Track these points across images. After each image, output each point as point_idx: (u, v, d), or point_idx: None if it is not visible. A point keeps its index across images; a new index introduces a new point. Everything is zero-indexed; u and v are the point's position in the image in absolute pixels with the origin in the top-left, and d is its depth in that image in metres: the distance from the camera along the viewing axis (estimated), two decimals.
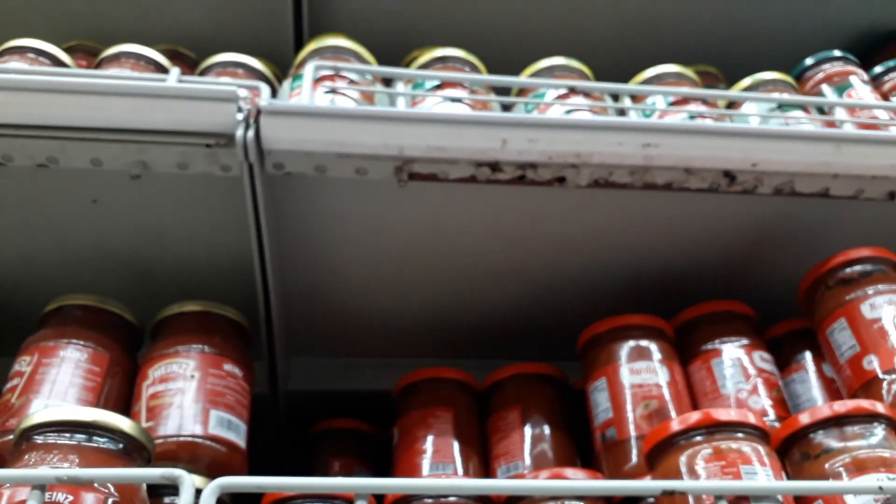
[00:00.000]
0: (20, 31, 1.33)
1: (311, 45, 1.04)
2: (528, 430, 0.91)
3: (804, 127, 0.93)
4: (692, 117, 0.98)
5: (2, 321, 1.00)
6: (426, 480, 0.73)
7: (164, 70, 1.05)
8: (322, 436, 1.05)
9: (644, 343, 0.89)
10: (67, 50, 1.24)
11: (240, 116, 0.79)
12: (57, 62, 1.02)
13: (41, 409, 0.66)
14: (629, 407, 0.84)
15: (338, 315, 1.05)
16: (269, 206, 0.87)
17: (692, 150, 0.84)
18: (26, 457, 0.62)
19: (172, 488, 0.57)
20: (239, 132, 0.78)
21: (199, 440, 0.77)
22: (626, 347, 0.89)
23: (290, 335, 1.07)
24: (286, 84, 0.99)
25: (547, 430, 0.91)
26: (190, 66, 1.25)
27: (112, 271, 0.97)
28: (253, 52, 1.34)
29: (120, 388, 0.83)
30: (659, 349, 0.89)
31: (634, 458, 0.81)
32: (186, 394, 0.80)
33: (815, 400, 0.88)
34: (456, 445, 0.91)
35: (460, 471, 0.88)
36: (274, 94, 1.04)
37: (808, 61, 1.18)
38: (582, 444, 0.93)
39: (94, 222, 0.93)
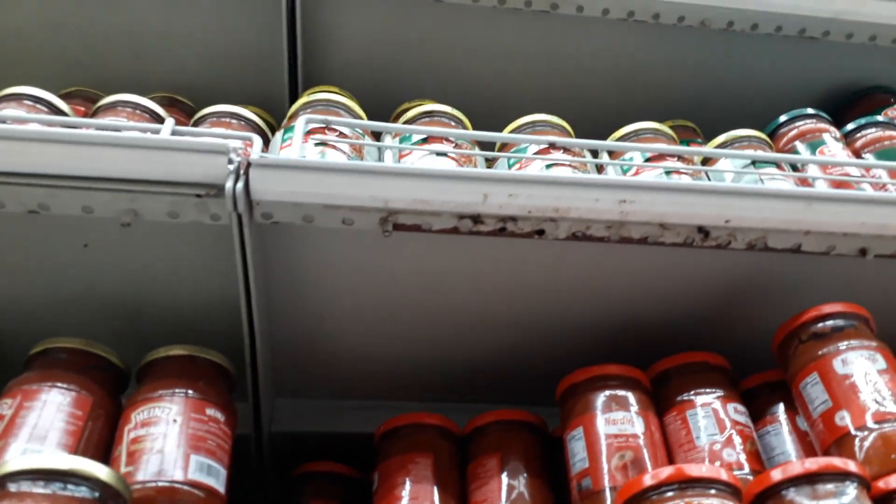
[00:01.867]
0: (20, 77, 1.34)
1: (304, 98, 1.05)
2: (505, 478, 0.89)
3: (776, 184, 0.94)
4: (668, 173, 0.98)
5: None
6: None
7: (159, 118, 1.05)
8: (304, 478, 1.03)
9: (621, 393, 0.88)
10: (66, 96, 1.25)
11: (230, 168, 0.79)
12: (55, 110, 1.02)
13: (17, 456, 0.64)
14: (605, 457, 0.83)
15: (323, 358, 1.04)
16: (257, 254, 0.86)
17: (666, 206, 0.84)
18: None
19: None
20: (228, 184, 0.78)
21: (179, 485, 0.75)
22: (602, 397, 0.88)
23: (276, 377, 1.06)
24: (278, 135, 0.99)
25: (525, 478, 0.90)
26: (187, 113, 1.26)
27: (101, 314, 0.96)
28: (249, 101, 1.36)
29: (102, 432, 0.81)
30: (635, 399, 0.88)
31: None
32: (168, 438, 0.78)
33: (788, 454, 0.87)
34: (434, 492, 0.89)
35: None
36: (267, 144, 1.04)
37: (782, 118, 1.19)
38: (559, 491, 0.91)
39: (84, 266, 0.93)
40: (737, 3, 1.26)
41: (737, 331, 1.00)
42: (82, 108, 1.19)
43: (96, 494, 0.64)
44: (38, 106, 1.01)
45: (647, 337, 0.99)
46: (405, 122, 1.06)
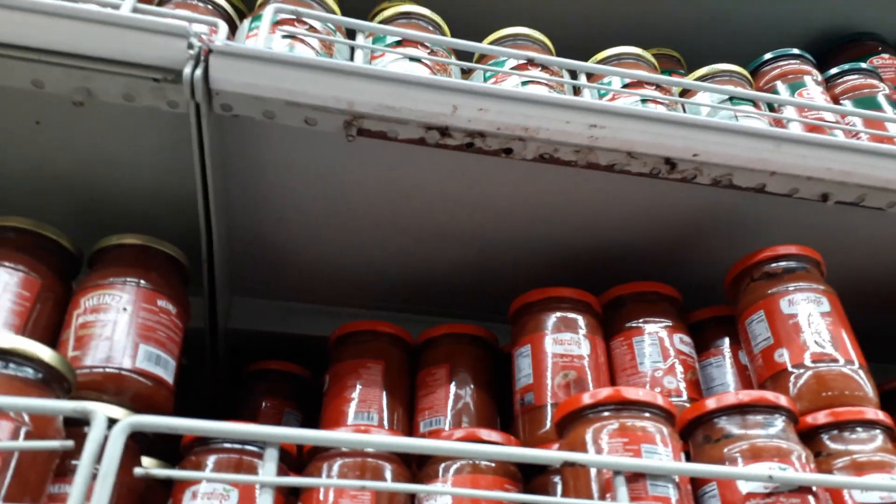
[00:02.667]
0: None
1: None
2: (453, 388, 0.92)
3: (746, 122, 0.93)
4: (644, 101, 0.97)
5: None
6: (336, 434, 0.73)
7: None
8: (256, 375, 1.05)
9: (570, 315, 0.89)
10: None
11: (190, 52, 0.76)
12: None
13: None
14: (549, 375, 0.85)
15: (280, 259, 1.04)
16: (216, 146, 0.84)
17: (636, 134, 0.83)
18: None
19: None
20: (187, 70, 0.75)
21: (126, 373, 0.76)
22: (552, 318, 0.89)
23: (233, 275, 1.05)
24: (245, 23, 0.95)
25: (471, 389, 0.92)
26: None
27: (53, 196, 0.94)
28: None
29: (50, 315, 0.81)
30: (584, 322, 0.89)
31: (549, 424, 0.82)
32: (117, 326, 0.78)
33: (727, 385, 0.90)
34: (382, 397, 0.91)
35: (385, 421, 0.89)
36: (234, 32, 1.00)
37: (766, 56, 1.17)
38: (505, 404, 0.94)
39: (36, 145, 0.90)
40: None
41: (692, 264, 1.02)
42: None
43: (40, 375, 0.64)
44: None
45: (605, 263, 1.01)
46: (381, 22, 1.02)
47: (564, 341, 0.87)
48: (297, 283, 1.08)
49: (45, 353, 0.64)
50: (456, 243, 1.01)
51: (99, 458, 0.51)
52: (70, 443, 0.56)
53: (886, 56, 1.34)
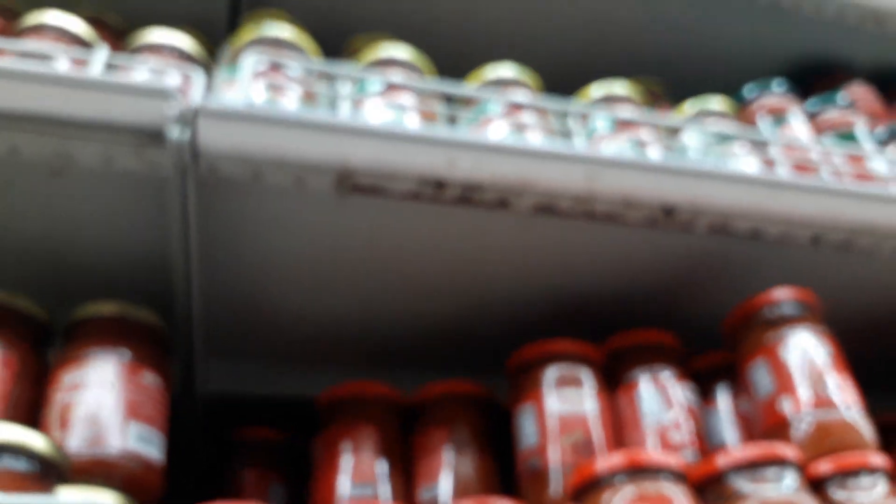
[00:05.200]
0: None
1: (249, 31, 1.00)
2: (452, 453, 0.92)
3: (743, 169, 0.96)
4: (635, 144, 1.00)
5: None
6: None
7: (87, 45, 0.98)
8: (238, 444, 1.03)
9: (572, 371, 0.91)
10: None
11: (173, 112, 0.75)
12: None
13: None
14: (554, 437, 0.86)
15: (261, 318, 1.03)
16: (199, 208, 0.84)
17: (634, 183, 0.85)
18: None
19: None
20: (174, 133, 0.75)
21: (115, 458, 0.74)
22: (554, 374, 0.90)
23: (209, 336, 1.04)
24: (221, 72, 0.95)
25: (472, 453, 0.93)
26: (115, 35, 1.18)
27: (20, 262, 0.91)
28: (184, 21, 1.29)
29: (30, 392, 0.80)
30: (587, 377, 0.91)
31: (556, 489, 0.83)
32: (103, 404, 0.77)
33: (731, 434, 0.92)
34: (378, 466, 0.91)
35: (383, 492, 0.89)
36: (208, 73, 0.99)
37: (749, 90, 1.22)
38: (506, 463, 0.94)
39: (5, 208, 0.87)
40: None
41: (690, 310, 1.05)
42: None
43: (35, 467, 0.62)
44: None
45: (603, 312, 1.03)
46: (363, 67, 1.03)
47: (568, 399, 0.88)
48: (279, 342, 1.08)
49: (39, 443, 0.63)
50: (448, 296, 1.02)
51: None
52: None
53: (860, 87, 1.40)
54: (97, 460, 0.74)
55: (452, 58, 1.19)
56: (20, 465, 0.62)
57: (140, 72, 0.92)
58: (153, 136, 0.76)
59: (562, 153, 0.84)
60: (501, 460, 0.95)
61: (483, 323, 1.05)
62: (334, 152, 0.79)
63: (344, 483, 0.89)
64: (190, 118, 0.76)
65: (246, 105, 0.78)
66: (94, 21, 1.22)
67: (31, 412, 0.79)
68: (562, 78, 1.20)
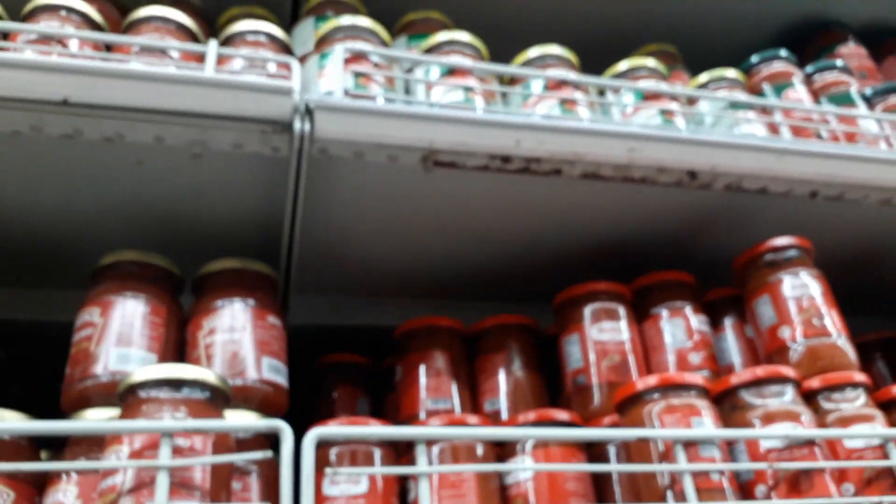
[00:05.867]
0: None
1: (335, 22, 1.12)
2: (509, 373, 1.10)
3: (750, 128, 1.10)
4: (662, 112, 1.14)
5: (45, 262, 1.10)
6: (452, 430, 0.88)
7: (191, 33, 1.10)
8: (328, 368, 1.21)
9: (610, 306, 1.08)
10: None
11: (294, 107, 0.89)
12: (88, 20, 1.06)
13: (141, 368, 0.78)
14: (596, 359, 1.04)
15: (351, 265, 1.19)
16: (308, 180, 0.98)
17: (666, 154, 1.00)
18: (143, 408, 0.75)
19: None
20: (297, 125, 0.89)
21: (257, 384, 0.91)
22: (595, 309, 1.07)
23: (304, 280, 1.20)
24: (312, 61, 1.08)
25: (524, 372, 1.10)
26: (194, 12, 1.29)
27: (160, 228, 1.06)
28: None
29: (176, 336, 0.96)
30: (621, 311, 1.08)
31: (599, 401, 1.01)
32: (241, 343, 0.93)
33: (739, 357, 1.10)
34: (451, 384, 1.09)
35: (456, 405, 1.07)
36: (288, 52, 1.12)
37: (754, 59, 1.35)
38: (551, 380, 1.13)
39: (136, 182, 1.02)
40: None
41: (706, 254, 1.21)
42: (95, 4, 1.20)
43: (208, 395, 0.79)
44: (72, 17, 1.05)
45: (634, 257, 1.19)
46: (427, 50, 1.15)
47: (606, 329, 1.05)
48: (364, 282, 1.24)
49: (212, 377, 0.80)
50: (505, 244, 1.17)
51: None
52: (270, 453, 0.72)
53: (853, 45, 1.52)
54: (241, 388, 0.91)
55: (487, 31, 1.31)
56: (198, 394, 0.79)
57: (238, 60, 1.04)
58: (280, 126, 0.90)
59: (606, 130, 0.98)
60: (546, 377, 1.14)
61: (533, 266, 1.21)
62: (421, 136, 0.93)
63: (424, 398, 1.07)
64: (308, 111, 0.90)
65: (353, 101, 0.92)
66: (175, 1, 1.34)
67: (179, 352, 0.96)
68: (587, 50, 1.33)
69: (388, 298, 1.29)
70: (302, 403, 1.20)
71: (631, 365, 1.04)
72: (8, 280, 1.15)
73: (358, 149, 0.94)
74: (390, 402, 1.18)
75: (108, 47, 1.04)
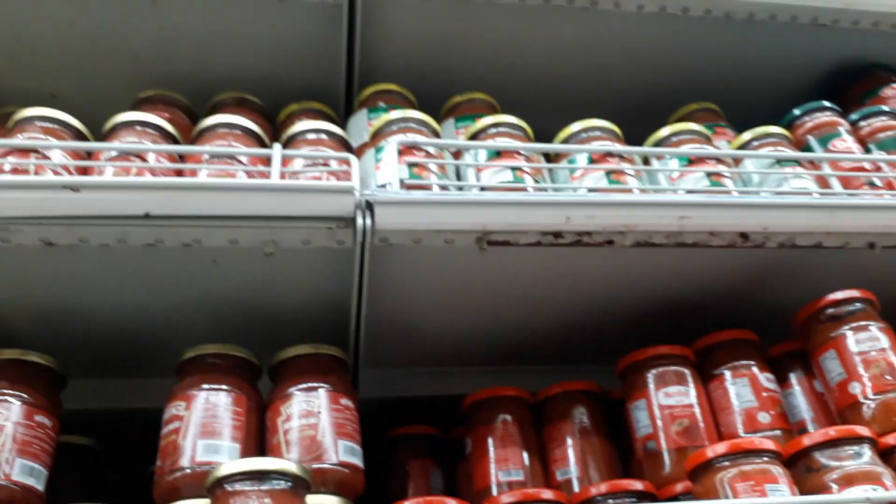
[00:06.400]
0: (91, 75, 1.44)
1: (388, 116, 1.17)
2: (578, 438, 1.10)
3: (804, 199, 1.09)
4: (708, 175, 1.14)
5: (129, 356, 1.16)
6: None
7: (256, 135, 1.17)
8: (399, 440, 1.23)
9: (674, 369, 1.07)
10: (145, 101, 1.36)
11: (354, 203, 0.94)
12: (162, 132, 1.13)
13: (227, 462, 0.81)
14: (664, 424, 1.02)
15: (414, 340, 1.21)
16: (370, 267, 1.02)
17: (717, 219, 1.01)
18: (231, 501, 0.78)
19: None
20: (359, 220, 0.93)
21: (335, 467, 0.93)
22: (660, 373, 1.07)
23: (371, 353, 1.22)
24: (369, 154, 1.12)
25: (593, 437, 1.10)
26: (256, 111, 1.37)
27: (236, 320, 1.11)
28: (307, 92, 1.48)
29: (257, 424, 0.99)
30: (686, 374, 1.07)
31: (670, 467, 1.00)
32: (318, 428, 0.96)
33: (810, 413, 1.07)
34: (522, 453, 1.09)
35: (527, 475, 1.07)
36: (345, 145, 1.17)
37: (797, 112, 1.34)
38: (618, 443, 1.12)
39: (213, 279, 1.07)
40: None
41: (764, 309, 1.19)
42: (166, 114, 1.29)
43: (290, 484, 0.81)
44: (147, 130, 1.12)
45: (691, 317, 1.18)
46: (474, 134, 1.19)
47: (673, 393, 1.04)
48: (423, 352, 1.26)
49: (294, 467, 0.82)
50: (561, 313, 1.18)
51: None
52: None
53: None
54: (319, 471, 0.92)
55: (528, 107, 1.34)
56: (282, 484, 0.81)
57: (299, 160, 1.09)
58: (343, 222, 0.95)
59: (655, 201, 0.99)
60: (615, 441, 1.13)
61: (593, 330, 1.21)
62: (474, 220, 0.96)
63: (495, 470, 1.07)
64: (368, 206, 0.94)
65: (409, 193, 0.96)
66: (234, 101, 1.42)
67: (259, 439, 0.99)
68: (628, 116, 1.35)
69: (452, 368, 1.31)
70: (372, 474, 1.21)
71: (700, 428, 1.02)
72: (98, 372, 1.21)
73: (416, 236, 0.97)
74: (462, 472, 1.19)
75: (181, 157, 1.11)
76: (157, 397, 1.05)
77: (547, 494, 0.94)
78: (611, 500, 0.92)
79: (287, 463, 0.81)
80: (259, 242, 0.96)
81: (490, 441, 1.10)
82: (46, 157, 1.04)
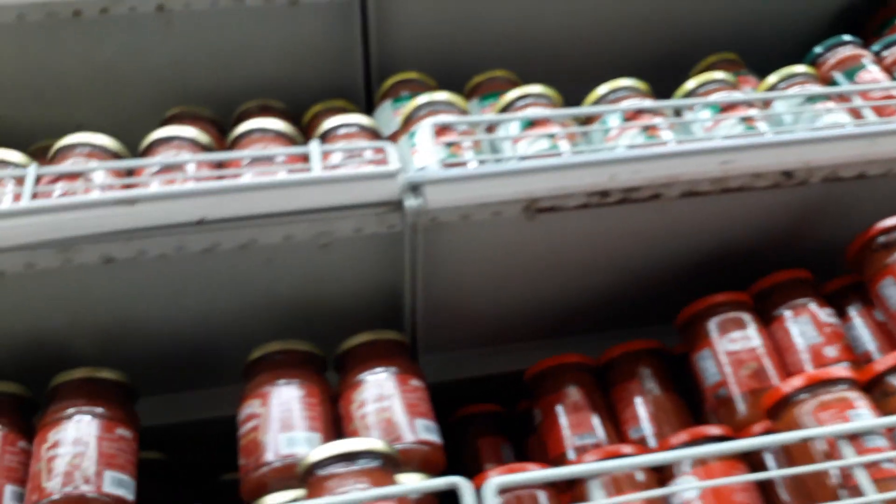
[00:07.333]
0: (115, 98, 1.46)
1: (415, 102, 1.17)
2: (646, 397, 1.10)
3: (842, 130, 1.08)
4: (742, 120, 1.14)
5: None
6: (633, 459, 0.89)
7: (287, 137, 1.18)
8: (466, 421, 1.23)
9: (735, 315, 1.07)
10: (174, 118, 1.38)
11: (399, 186, 0.94)
12: (203, 147, 1.15)
13: (318, 447, 0.82)
14: (733, 370, 1.02)
15: (469, 316, 1.21)
16: (422, 248, 1.02)
17: (759, 160, 1.01)
18: (326, 485, 0.79)
19: None
20: (408, 202, 0.93)
21: (415, 446, 0.94)
22: (722, 321, 1.06)
23: (429, 337, 1.23)
24: (403, 140, 1.13)
25: (661, 394, 1.10)
26: (280, 116, 1.37)
27: (294, 314, 1.12)
28: (327, 92, 1.49)
29: (331, 413, 1.00)
30: (748, 319, 1.07)
31: (745, 410, 1.00)
32: (393, 410, 0.96)
33: (874, 343, 1.07)
34: (591, 417, 1.09)
35: (601, 437, 1.07)
36: (377, 136, 1.17)
37: (822, 47, 1.33)
38: (687, 398, 1.12)
39: (267, 278, 1.08)
40: None
41: (813, 246, 1.18)
42: (195, 127, 1.29)
43: (381, 462, 0.82)
44: (184, 144, 1.14)
45: (744, 262, 1.17)
46: (504, 108, 1.19)
47: (737, 339, 1.04)
48: (480, 331, 1.26)
49: (380, 444, 0.83)
50: (613, 272, 1.18)
51: None
52: None
53: None
54: (402, 451, 0.93)
55: (550, 81, 1.34)
56: (373, 463, 0.82)
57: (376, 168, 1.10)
58: (393, 205, 0.95)
59: (699, 149, 0.99)
60: (682, 396, 1.13)
61: (643, 288, 1.21)
62: (521, 189, 0.97)
63: (569, 436, 1.08)
64: (414, 187, 0.95)
65: (453, 170, 0.97)
66: (259, 109, 1.43)
67: (335, 426, 1.00)
68: (649, 75, 1.34)
69: (510, 344, 1.30)
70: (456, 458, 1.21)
71: (769, 370, 1.02)
72: (161, 387, 1.23)
73: (464, 212, 0.98)
74: (532, 445, 1.19)
75: (220, 164, 1.12)
76: (221, 406, 1.06)
77: (627, 449, 0.94)
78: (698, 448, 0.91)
79: (375, 441, 0.83)
80: (313, 235, 0.97)
81: (559, 409, 1.10)
82: (90, 180, 1.06)
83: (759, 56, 1.53)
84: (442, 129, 1.08)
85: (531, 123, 1.12)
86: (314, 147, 1.05)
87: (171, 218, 0.92)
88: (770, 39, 1.59)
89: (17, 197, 0.99)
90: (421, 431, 0.96)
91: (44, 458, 0.93)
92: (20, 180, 1.01)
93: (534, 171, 0.97)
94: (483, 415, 1.23)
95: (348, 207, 0.95)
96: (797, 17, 1.60)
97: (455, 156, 1.06)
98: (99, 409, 0.97)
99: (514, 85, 1.40)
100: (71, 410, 0.96)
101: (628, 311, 1.24)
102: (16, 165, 1.08)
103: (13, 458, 0.96)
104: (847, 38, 1.34)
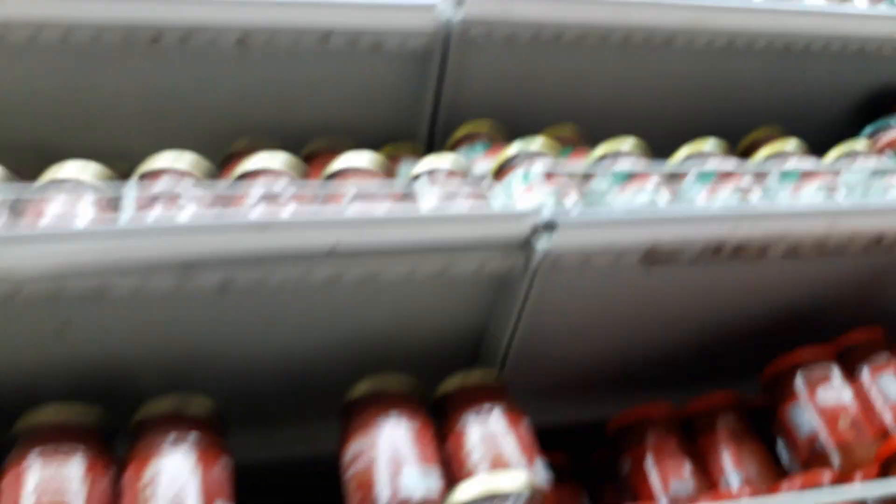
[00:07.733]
0: (177, 131, 1.43)
1: (512, 147, 1.19)
2: (735, 447, 1.11)
3: None
4: (823, 188, 1.20)
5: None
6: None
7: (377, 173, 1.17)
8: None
9: (825, 369, 1.10)
10: (240, 153, 1.34)
11: (532, 225, 0.95)
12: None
13: (463, 486, 0.80)
14: (829, 422, 1.05)
15: (555, 362, 1.20)
16: (535, 291, 1.02)
17: (862, 223, 1.06)
18: None
19: None
20: (541, 242, 0.94)
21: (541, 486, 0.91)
22: (810, 375, 1.10)
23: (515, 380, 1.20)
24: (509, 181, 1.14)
25: (749, 445, 1.11)
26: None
27: (381, 352, 1.09)
28: (384, 136, 1.49)
29: (437, 445, 0.97)
30: (834, 373, 1.10)
31: (840, 463, 1.02)
32: (505, 448, 0.94)
33: None
34: (683, 466, 1.09)
35: (693, 488, 1.07)
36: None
37: (871, 128, 1.43)
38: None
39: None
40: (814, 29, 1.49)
41: (886, 305, 1.23)
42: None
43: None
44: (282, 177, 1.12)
45: (827, 319, 1.21)
46: (600, 158, 1.22)
47: (830, 391, 1.07)
48: (567, 378, 1.24)
49: (528, 481, 0.81)
50: (710, 326, 1.20)
51: None
52: None
53: None
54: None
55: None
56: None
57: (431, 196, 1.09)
58: (517, 245, 0.95)
59: (810, 210, 1.04)
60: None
61: (734, 341, 1.23)
62: (647, 236, 0.99)
63: (660, 486, 1.07)
64: (548, 227, 0.95)
65: (589, 212, 0.98)
66: (332, 149, 1.42)
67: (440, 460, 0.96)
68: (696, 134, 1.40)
69: (582, 395, 1.29)
70: None
71: (861, 423, 1.05)
72: (255, 420, 1.15)
73: (586, 257, 0.99)
74: (610, 494, 1.18)
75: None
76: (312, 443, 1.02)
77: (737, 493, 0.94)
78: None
79: (522, 477, 0.80)
80: (436, 271, 0.95)
81: (649, 458, 1.10)
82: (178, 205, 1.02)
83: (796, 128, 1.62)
84: (549, 176, 1.10)
85: (628, 177, 1.15)
86: (423, 187, 1.04)
87: (304, 245, 0.89)
88: (804, 118, 1.68)
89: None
90: (538, 471, 0.94)
91: (141, 492, 0.86)
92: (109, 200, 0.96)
93: (660, 219, 0.99)
94: (566, 464, 1.21)
95: (476, 245, 0.94)
96: (828, 100, 1.70)
97: (561, 203, 1.07)
98: (196, 440, 0.92)
99: (581, 140, 1.44)
100: (168, 441, 0.90)
101: (707, 365, 1.26)
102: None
103: (101, 487, 0.89)
104: (893, 121, 1.43)
